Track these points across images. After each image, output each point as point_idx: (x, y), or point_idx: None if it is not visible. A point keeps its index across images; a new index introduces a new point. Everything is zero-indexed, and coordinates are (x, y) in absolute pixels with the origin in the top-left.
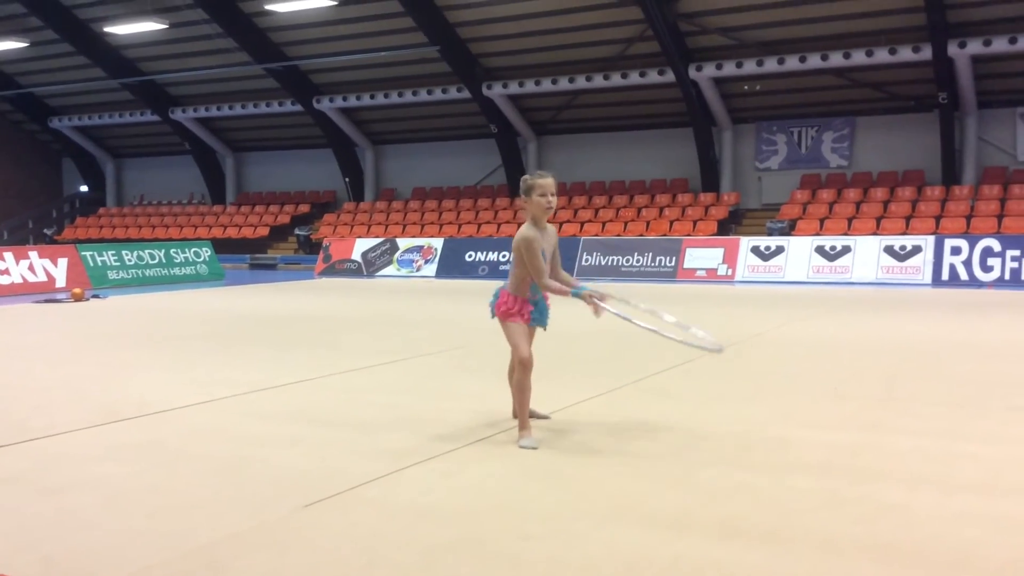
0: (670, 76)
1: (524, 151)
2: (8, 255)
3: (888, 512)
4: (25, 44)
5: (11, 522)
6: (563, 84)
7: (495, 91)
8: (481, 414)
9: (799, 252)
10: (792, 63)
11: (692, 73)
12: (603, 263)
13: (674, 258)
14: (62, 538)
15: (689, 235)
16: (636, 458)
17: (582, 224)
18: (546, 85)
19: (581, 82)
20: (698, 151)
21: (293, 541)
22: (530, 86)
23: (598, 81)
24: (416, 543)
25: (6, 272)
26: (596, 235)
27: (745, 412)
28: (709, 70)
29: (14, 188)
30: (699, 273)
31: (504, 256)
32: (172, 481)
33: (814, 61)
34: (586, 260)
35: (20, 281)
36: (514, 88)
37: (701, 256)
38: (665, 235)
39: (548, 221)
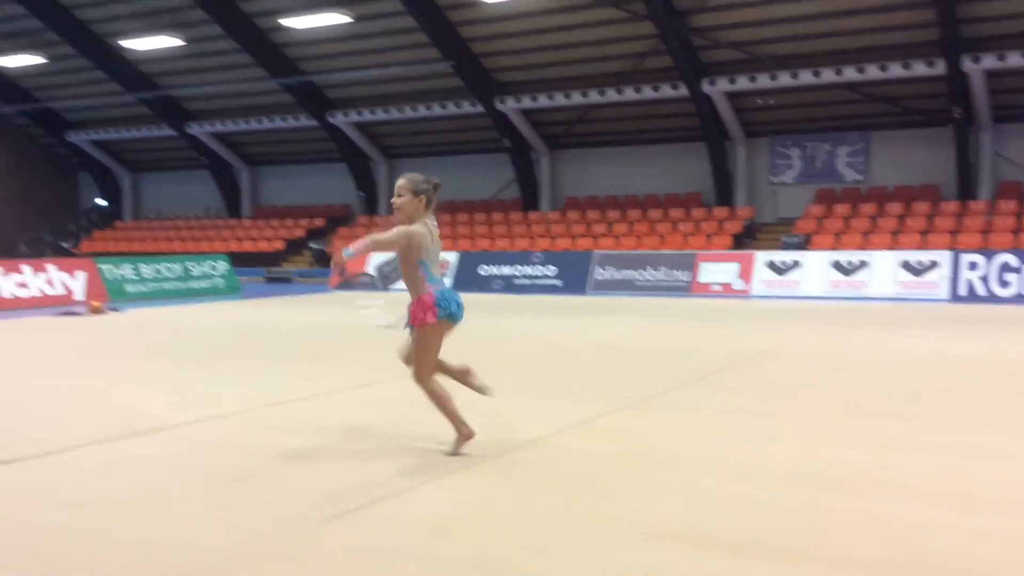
0: (683, 90)
1: (537, 165)
2: (26, 268)
3: (908, 530)
4: (43, 59)
5: (27, 535)
6: (576, 99)
7: (508, 106)
8: (495, 431)
9: (815, 267)
10: (806, 77)
11: (705, 87)
12: (617, 277)
13: (688, 272)
14: (78, 552)
15: (703, 249)
16: (653, 475)
17: (596, 238)
18: (559, 99)
19: (594, 96)
20: (712, 165)
21: (310, 558)
22: (543, 100)
23: (611, 95)
24: (434, 560)
25: (24, 285)
26: (610, 249)
27: (761, 428)
28: (722, 84)
29: (32, 201)
30: (714, 287)
31: (519, 270)
32: (188, 495)
33: (828, 75)
34: (600, 275)
35: (38, 294)
36: (527, 103)
37: (716, 270)
38: (679, 249)
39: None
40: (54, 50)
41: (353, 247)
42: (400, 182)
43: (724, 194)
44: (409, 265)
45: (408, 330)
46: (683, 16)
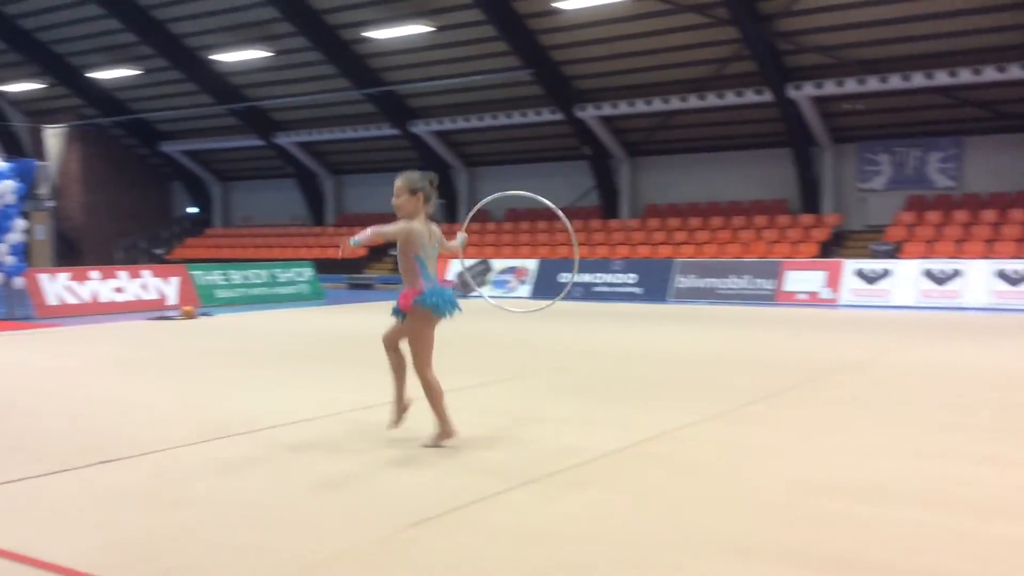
0: (767, 96)
1: (617, 172)
2: (123, 273)
3: (1002, 548)
4: (138, 72)
5: (131, 533)
6: (657, 105)
7: (588, 113)
8: (578, 438)
9: (906, 276)
10: (895, 82)
11: (790, 92)
12: (699, 286)
13: (773, 280)
14: (180, 551)
15: (789, 257)
16: (740, 487)
17: (677, 246)
18: (640, 106)
19: (675, 102)
20: (797, 171)
21: (399, 562)
22: (623, 107)
23: (693, 101)
24: (522, 568)
25: (121, 290)
26: (691, 257)
27: (851, 442)
28: (808, 89)
29: (127, 209)
30: (800, 296)
31: (599, 278)
32: (280, 497)
33: (918, 80)
34: (681, 282)
35: (134, 299)
36: (607, 109)
37: (802, 279)
38: (763, 257)
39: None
40: (149, 63)
41: (359, 236)
42: (397, 183)
43: (810, 201)
44: (407, 258)
45: (398, 318)
46: (767, 20)
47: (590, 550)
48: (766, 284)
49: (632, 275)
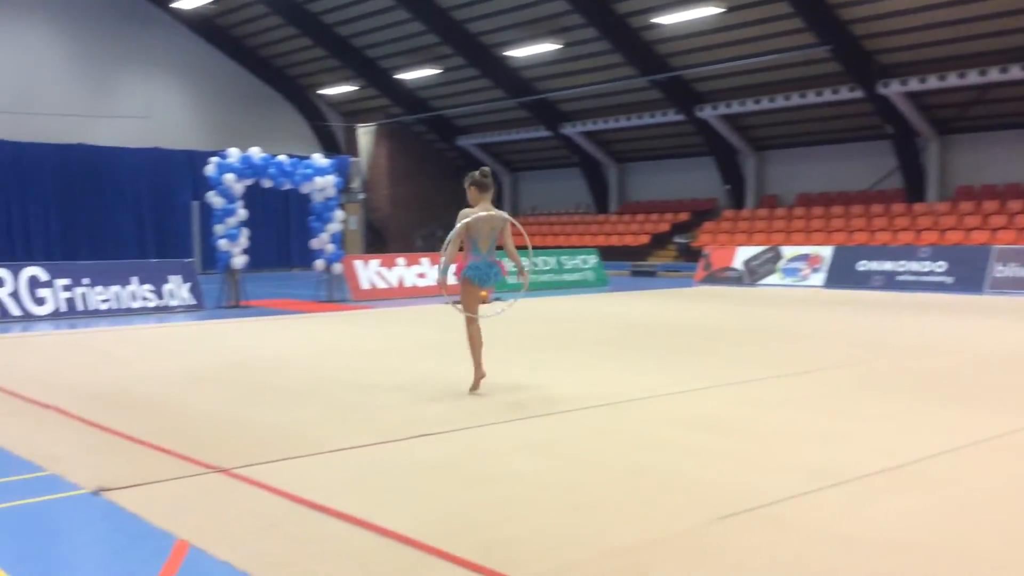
0: None
1: (923, 152)
2: (424, 260)
3: None
4: (438, 71)
5: (451, 506)
6: (972, 77)
7: (892, 89)
8: (891, 438)
9: None
10: None
11: None
12: (1021, 275)
13: None
14: (495, 527)
15: None
16: None
17: (994, 231)
18: (951, 80)
19: (994, 74)
20: None
21: (709, 555)
22: (932, 81)
23: (1016, 73)
24: (835, 573)
25: (423, 275)
26: (1012, 244)
27: None
28: None
29: (426, 200)
30: None
31: (902, 266)
32: (585, 480)
33: None
34: (999, 272)
35: (433, 284)
36: (914, 85)
37: None
38: None
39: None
40: (448, 62)
41: (439, 273)
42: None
43: None
44: (464, 240)
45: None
46: None
47: (907, 560)
48: None
49: (941, 263)
